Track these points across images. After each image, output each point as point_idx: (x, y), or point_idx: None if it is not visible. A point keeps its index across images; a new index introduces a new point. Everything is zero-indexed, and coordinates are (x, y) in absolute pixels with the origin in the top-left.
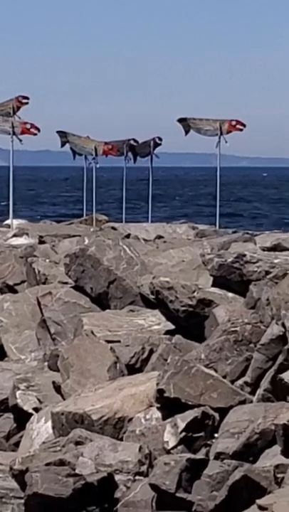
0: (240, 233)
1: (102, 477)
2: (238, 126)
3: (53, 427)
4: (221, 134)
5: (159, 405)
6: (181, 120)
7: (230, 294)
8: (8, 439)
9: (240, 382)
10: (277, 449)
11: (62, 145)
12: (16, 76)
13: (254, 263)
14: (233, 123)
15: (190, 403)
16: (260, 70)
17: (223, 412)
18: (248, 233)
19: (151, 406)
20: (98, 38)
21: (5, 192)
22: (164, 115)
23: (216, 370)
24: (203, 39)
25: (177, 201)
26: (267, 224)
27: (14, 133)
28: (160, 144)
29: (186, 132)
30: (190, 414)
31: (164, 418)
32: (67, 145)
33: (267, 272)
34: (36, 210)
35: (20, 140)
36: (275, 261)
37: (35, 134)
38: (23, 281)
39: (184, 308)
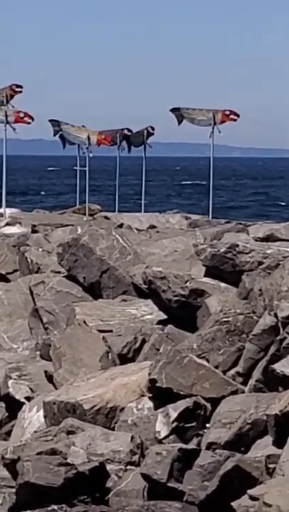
0: (233, 223)
1: (93, 466)
2: (231, 116)
3: (45, 416)
4: (215, 124)
5: (151, 395)
6: (174, 110)
7: (223, 284)
8: None
9: (232, 372)
10: (268, 439)
11: (55, 134)
12: (9, 64)
13: (247, 253)
14: (227, 113)
15: (182, 393)
16: (252, 59)
17: (215, 402)
18: (240, 223)
19: (143, 396)
20: (92, 27)
21: None
22: (158, 105)
23: (208, 360)
24: (195, 29)
25: (171, 191)
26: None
27: (8, 122)
28: (153, 134)
29: (179, 122)
30: (182, 404)
31: (156, 408)
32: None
33: (259, 263)
34: (29, 200)
35: (14, 129)
36: (268, 251)
37: (29, 123)
38: (15, 270)
39: (176, 298)
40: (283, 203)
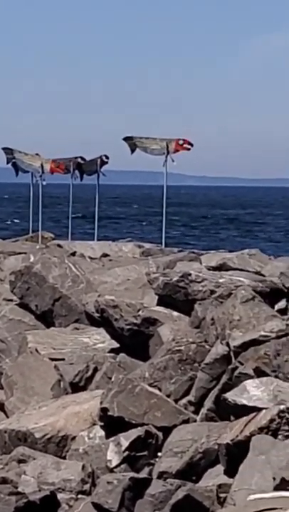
0: (185, 252)
1: (44, 495)
2: (185, 145)
3: None
4: (168, 153)
5: (102, 424)
6: (127, 139)
7: (175, 313)
8: None
9: (184, 401)
10: (220, 468)
11: (8, 162)
12: None
13: (199, 282)
14: (180, 142)
15: (134, 422)
16: (207, 87)
17: (167, 431)
18: (193, 252)
19: (94, 424)
20: (40, 52)
21: None
22: (111, 132)
23: (160, 389)
24: (149, 53)
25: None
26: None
27: None
28: (107, 163)
29: (132, 151)
30: (133, 433)
31: (108, 437)
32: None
33: (212, 292)
34: None
35: None
36: (220, 280)
37: None
38: None
39: (128, 327)
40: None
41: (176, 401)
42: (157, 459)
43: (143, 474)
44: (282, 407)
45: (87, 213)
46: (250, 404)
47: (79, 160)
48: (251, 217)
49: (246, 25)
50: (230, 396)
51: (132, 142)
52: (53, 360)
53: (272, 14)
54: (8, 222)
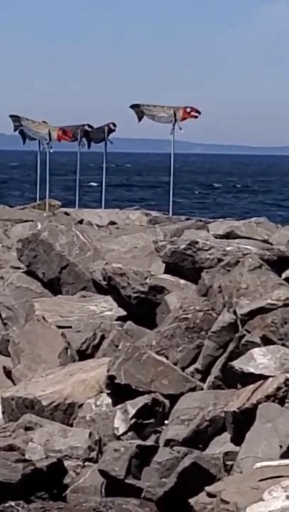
0: (193, 220)
1: (51, 463)
2: (192, 113)
3: (3, 412)
4: (176, 121)
5: (109, 391)
6: (134, 106)
7: (183, 281)
8: None
9: (190, 369)
10: (226, 436)
11: (15, 129)
12: None
13: (206, 250)
14: (188, 110)
15: (140, 389)
16: (214, 54)
17: (174, 398)
18: (201, 220)
19: (101, 392)
20: (52, 21)
21: None
22: (118, 101)
23: (167, 357)
24: (153, 25)
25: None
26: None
27: None
28: (114, 130)
29: (140, 119)
30: (140, 401)
31: (115, 404)
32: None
33: (219, 260)
34: None
35: None
36: (228, 248)
37: None
38: None
39: (135, 295)
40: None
41: (183, 369)
42: (164, 427)
43: (150, 442)
44: (288, 375)
45: (95, 181)
46: (257, 372)
47: (86, 127)
48: (260, 185)
49: None
50: (237, 364)
51: (139, 110)
52: (60, 327)
53: None
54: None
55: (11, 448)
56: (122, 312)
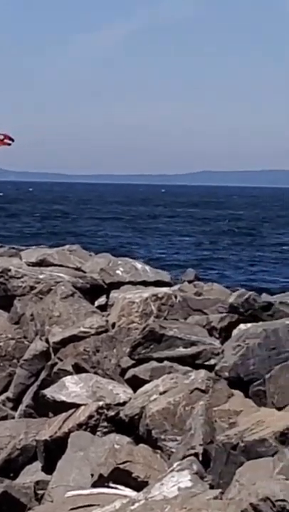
0: (5, 248)
1: None
2: (5, 140)
3: None
4: None
5: None
6: None
7: None
8: None
9: (2, 397)
10: (38, 465)
11: None
12: None
13: (19, 278)
14: (1, 137)
15: None
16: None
17: None
18: (14, 248)
19: None
20: None
21: None
22: None
23: None
24: None
25: None
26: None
27: None
28: None
29: None
30: None
31: None
32: None
33: (32, 287)
34: None
35: None
36: (40, 276)
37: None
38: None
39: None
40: None
41: None
42: None
43: None
44: (100, 403)
45: None
46: (69, 400)
47: None
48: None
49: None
50: (49, 392)
51: None
52: None
53: None
54: None
55: None
56: None
